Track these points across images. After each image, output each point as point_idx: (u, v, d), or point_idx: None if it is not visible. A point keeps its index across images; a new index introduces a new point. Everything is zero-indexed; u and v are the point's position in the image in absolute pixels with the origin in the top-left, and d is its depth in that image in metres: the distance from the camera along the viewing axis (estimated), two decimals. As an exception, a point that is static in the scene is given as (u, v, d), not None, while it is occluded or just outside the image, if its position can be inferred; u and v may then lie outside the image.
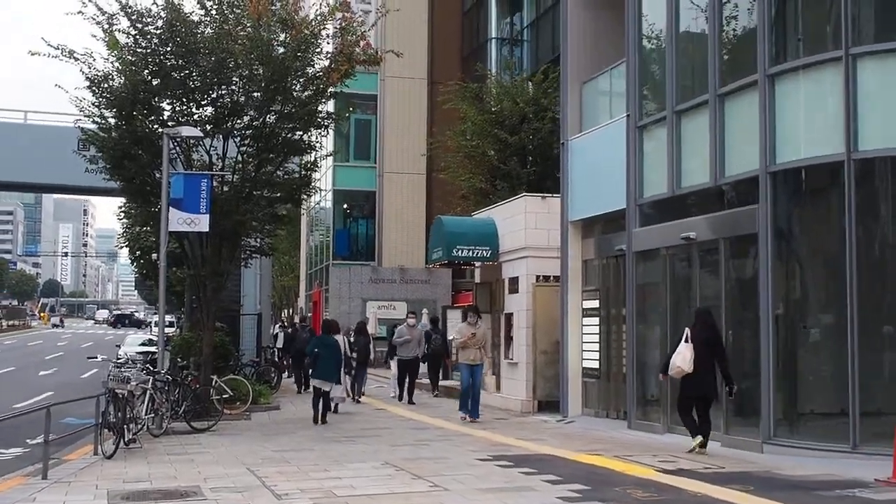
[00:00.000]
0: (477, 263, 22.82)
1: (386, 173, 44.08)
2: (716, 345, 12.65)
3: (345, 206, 46.40)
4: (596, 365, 17.52)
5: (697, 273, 14.35)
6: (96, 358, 16.99)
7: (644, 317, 15.81)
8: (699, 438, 12.42)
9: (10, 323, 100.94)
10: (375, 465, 11.43)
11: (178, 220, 17.57)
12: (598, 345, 17.51)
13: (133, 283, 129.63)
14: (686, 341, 12.51)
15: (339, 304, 42.13)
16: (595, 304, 17.70)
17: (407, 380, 22.12)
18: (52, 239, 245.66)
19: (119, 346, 38.52)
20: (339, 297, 42.51)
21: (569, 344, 18.10)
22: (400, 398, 22.07)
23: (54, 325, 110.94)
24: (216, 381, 19.14)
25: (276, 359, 27.83)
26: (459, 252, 21.23)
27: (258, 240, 20.66)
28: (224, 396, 19.17)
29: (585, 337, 17.94)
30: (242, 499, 9.26)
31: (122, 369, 14.43)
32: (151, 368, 16.68)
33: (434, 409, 19.86)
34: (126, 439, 13.41)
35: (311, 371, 18.25)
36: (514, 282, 20.46)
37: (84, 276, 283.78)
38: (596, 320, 17.61)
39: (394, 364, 22.73)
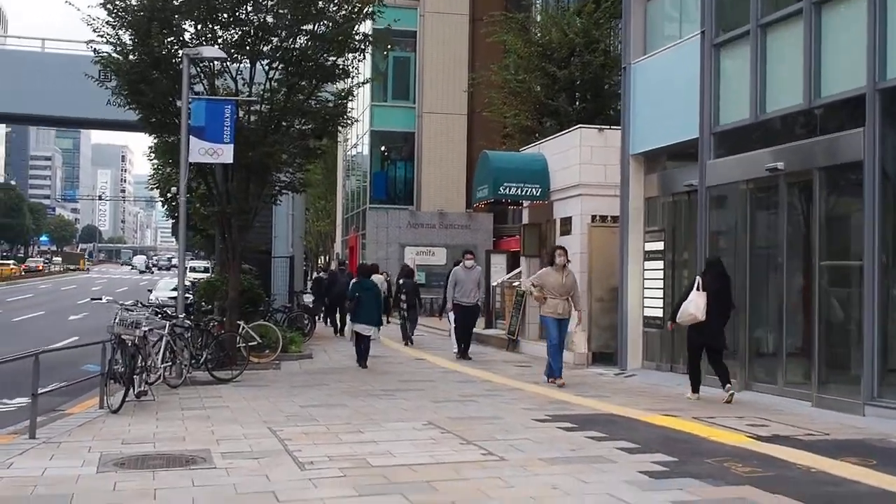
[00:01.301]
0: (525, 203, 21.12)
1: (425, 113, 42.32)
2: (727, 294, 12.43)
3: (382, 147, 44.80)
4: (659, 313, 15.80)
5: (784, 209, 12.51)
6: (101, 300, 15.51)
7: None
8: (729, 390, 12.09)
9: (67, 267, 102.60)
10: (417, 426, 9.85)
11: (199, 151, 15.96)
12: (661, 291, 15.78)
13: (170, 230, 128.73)
14: (698, 289, 12.24)
15: (376, 249, 40.67)
16: (659, 246, 15.94)
17: (462, 329, 18.91)
18: (91, 185, 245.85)
19: (151, 291, 37.52)
20: (377, 243, 41.04)
21: (628, 290, 16.40)
22: (460, 354, 18.68)
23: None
24: (243, 328, 17.79)
25: (311, 304, 26.73)
26: (507, 190, 19.52)
27: (289, 175, 19.02)
28: (251, 344, 17.83)
29: (647, 283, 16.21)
30: (258, 467, 7.71)
31: (133, 313, 12.90)
32: (168, 313, 15.24)
33: (480, 363, 18.24)
34: (136, 391, 11.96)
35: (352, 316, 17.70)
36: (566, 222, 18.74)
37: (123, 222, 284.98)
38: (660, 264, 15.86)
39: (451, 316, 19.29)
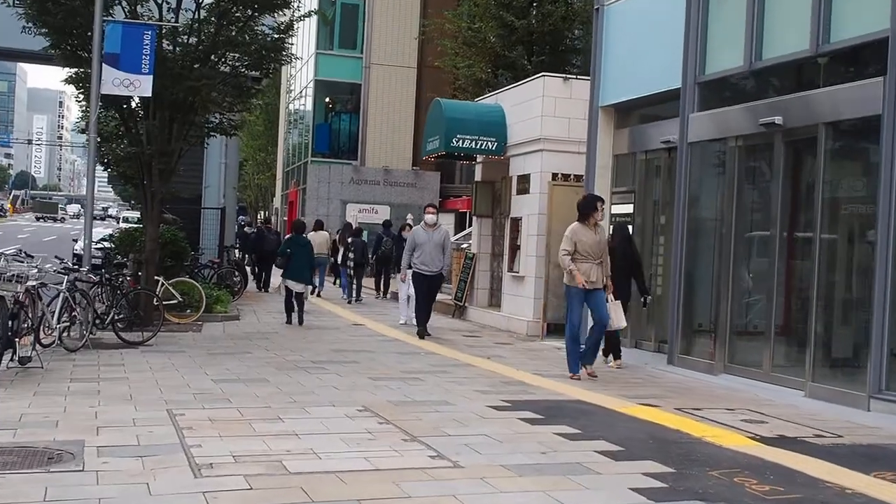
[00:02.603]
0: (479, 158, 19.38)
1: (373, 64, 40.18)
2: (633, 258, 12.44)
3: (327, 99, 42.69)
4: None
5: (780, 170, 10.90)
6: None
7: (698, 225, 12.49)
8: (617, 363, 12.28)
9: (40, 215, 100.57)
10: (350, 413, 8.13)
11: (113, 81, 13.96)
12: (629, 259, 14.18)
13: (107, 179, 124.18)
14: None
15: (316, 205, 38.68)
16: (628, 209, 14.33)
17: (422, 302, 15.58)
18: (26, 130, 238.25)
19: (76, 241, 35.12)
20: (318, 198, 39.03)
21: (591, 257, 14.78)
22: (420, 332, 15.26)
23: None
24: (162, 284, 15.95)
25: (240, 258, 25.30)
26: (460, 143, 17.74)
27: (219, 116, 17.03)
28: (170, 303, 16.00)
29: (613, 249, 14.61)
30: (140, 471, 5.93)
31: (10, 265, 10.99)
32: (71, 266, 13.32)
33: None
34: (19, 356, 10.10)
35: (283, 272, 17.37)
36: (523, 180, 17.07)
37: (59, 170, 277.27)
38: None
39: (407, 280, 16.03)
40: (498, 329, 17.13)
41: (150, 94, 14.12)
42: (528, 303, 16.49)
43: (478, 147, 17.87)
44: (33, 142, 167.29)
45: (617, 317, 11.43)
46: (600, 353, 11.96)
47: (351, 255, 22.64)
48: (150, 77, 13.94)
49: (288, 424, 7.52)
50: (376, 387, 9.73)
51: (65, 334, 12.32)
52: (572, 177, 16.13)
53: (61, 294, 11.96)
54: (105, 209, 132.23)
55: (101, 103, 14.90)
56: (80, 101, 32.71)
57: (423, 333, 15.18)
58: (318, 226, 24.77)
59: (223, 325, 16.31)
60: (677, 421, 8.22)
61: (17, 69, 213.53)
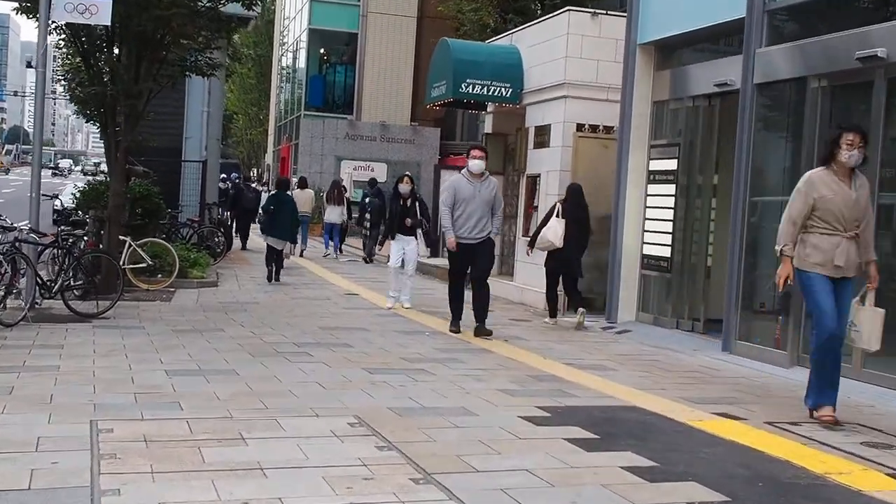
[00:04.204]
0: (490, 107, 17.19)
1: (371, 13, 37.91)
2: (585, 223, 12.50)
3: (321, 49, 40.36)
4: (665, 253, 12.14)
5: (882, 115, 8.71)
6: None
7: (765, 184, 10.35)
8: (581, 313, 12.26)
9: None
10: (339, 428, 6.00)
11: (66, 7, 11.70)
12: (671, 224, 12.08)
13: (99, 134, 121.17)
14: (558, 216, 12.39)
15: (310, 161, 36.48)
16: (670, 165, 12.17)
17: (458, 284, 11.44)
18: (20, 85, 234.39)
19: (56, 196, 32.95)
20: (311, 154, 36.80)
21: (624, 221, 12.69)
22: (454, 323, 11.16)
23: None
24: (129, 246, 13.94)
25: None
26: (470, 88, 15.55)
27: (195, 54, 14.79)
28: (136, 267, 13.99)
29: (651, 212, 12.50)
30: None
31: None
32: (8, 224, 11.21)
33: (427, 304, 14.46)
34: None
35: (264, 228, 17.22)
36: (542, 132, 14.92)
37: (53, 125, 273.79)
38: (670, 189, 12.12)
39: (396, 245, 13.25)
40: (510, 301, 15.05)
41: (108, 23, 11.94)
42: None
43: (490, 94, 15.68)
44: (19, 93, 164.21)
45: (871, 327, 6.93)
46: (543, 309, 12.80)
47: (368, 215, 22.34)
48: (109, 3, 11.71)
49: (252, 449, 5.42)
50: (373, 384, 7.62)
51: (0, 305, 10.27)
52: (601, 128, 13.98)
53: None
54: (97, 164, 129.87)
55: (58, 32, 12.91)
56: (60, 48, 30.11)
57: (481, 331, 10.70)
58: (303, 183, 24.07)
59: (198, 293, 14.26)
60: (777, 445, 6.13)
61: (9, 22, 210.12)
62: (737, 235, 10.29)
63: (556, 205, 12.60)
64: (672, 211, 12.05)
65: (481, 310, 10.91)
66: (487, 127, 17.81)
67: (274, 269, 16.43)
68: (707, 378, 8.83)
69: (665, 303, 12.25)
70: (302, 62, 41.56)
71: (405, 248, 13.29)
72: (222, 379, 7.57)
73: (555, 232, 12.24)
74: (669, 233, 12.05)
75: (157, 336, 9.82)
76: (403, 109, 38.10)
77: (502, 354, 9.62)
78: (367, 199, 23.12)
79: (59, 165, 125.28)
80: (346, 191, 24.93)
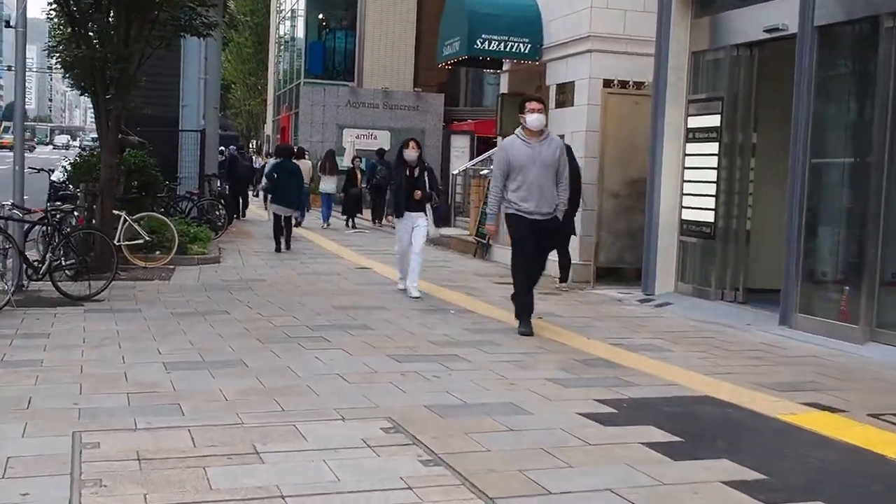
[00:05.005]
0: (506, 65, 16.10)
1: (371, -26, 36.68)
2: (577, 180, 11.32)
3: (320, 15, 39.12)
4: (708, 218, 11.09)
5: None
6: None
7: (828, 140, 9.29)
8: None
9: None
10: (371, 435, 5.00)
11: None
12: (713, 187, 11.02)
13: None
14: None
15: (310, 130, 35.41)
16: (713, 121, 11.09)
17: (522, 271, 8.92)
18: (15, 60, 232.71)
19: (52, 171, 31.92)
20: (311, 123, 35.68)
21: (661, 184, 11.64)
22: (525, 324, 8.70)
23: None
24: (125, 221, 12.98)
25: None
26: (486, 44, 14.46)
27: (189, 12, 13.70)
28: (132, 243, 13.03)
29: (690, 173, 11.45)
30: None
31: None
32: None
33: (447, 278, 13.46)
34: None
35: (269, 197, 17.45)
36: (564, 90, 13.86)
37: (50, 100, 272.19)
38: (712, 147, 11.05)
39: (403, 225, 11.48)
40: (535, 272, 14.01)
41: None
42: (573, 241, 13.35)
43: (507, 50, 14.60)
44: (11, 68, 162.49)
45: None
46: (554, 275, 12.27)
47: (375, 181, 23.23)
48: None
49: (268, 468, 4.43)
50: (403, 375, 6.62)
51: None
52: (631, 83, 12.91)
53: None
54: (95, 139, 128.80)
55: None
56: (51, 19, 28.86)
57: (525, 330, 8.60)
58: (300, 153, 23.25)
59: (199, 271, 13.28)
60: (894, 444, 5.15)
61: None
62: (796, 198, 9.24)
63: None
64: (714, 171, 11.00)
65: (524, 305, 8.89)
66: (503, 87, 16.71)
67: (284, 239, 16.40)
68: (775, 358, 7.83)
69: (708, 272, 11.22)
70: (300, 29, 40.37)
71: (414, 227, 11.34)
72: (229, 372, 6.57)
73: None
74: (713, 195, 11.01)
75: (154, 321, 8.83)
76: (406, 75, 37.06)
77: (540, 334, 8.61)
78: (377, 168, 23.49)
79: (55, 141, 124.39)
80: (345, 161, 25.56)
